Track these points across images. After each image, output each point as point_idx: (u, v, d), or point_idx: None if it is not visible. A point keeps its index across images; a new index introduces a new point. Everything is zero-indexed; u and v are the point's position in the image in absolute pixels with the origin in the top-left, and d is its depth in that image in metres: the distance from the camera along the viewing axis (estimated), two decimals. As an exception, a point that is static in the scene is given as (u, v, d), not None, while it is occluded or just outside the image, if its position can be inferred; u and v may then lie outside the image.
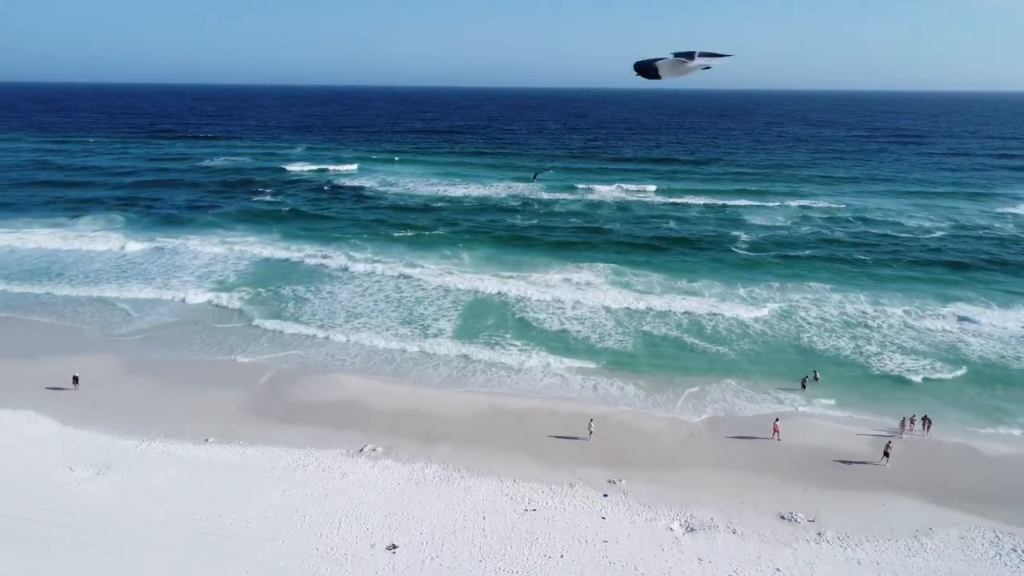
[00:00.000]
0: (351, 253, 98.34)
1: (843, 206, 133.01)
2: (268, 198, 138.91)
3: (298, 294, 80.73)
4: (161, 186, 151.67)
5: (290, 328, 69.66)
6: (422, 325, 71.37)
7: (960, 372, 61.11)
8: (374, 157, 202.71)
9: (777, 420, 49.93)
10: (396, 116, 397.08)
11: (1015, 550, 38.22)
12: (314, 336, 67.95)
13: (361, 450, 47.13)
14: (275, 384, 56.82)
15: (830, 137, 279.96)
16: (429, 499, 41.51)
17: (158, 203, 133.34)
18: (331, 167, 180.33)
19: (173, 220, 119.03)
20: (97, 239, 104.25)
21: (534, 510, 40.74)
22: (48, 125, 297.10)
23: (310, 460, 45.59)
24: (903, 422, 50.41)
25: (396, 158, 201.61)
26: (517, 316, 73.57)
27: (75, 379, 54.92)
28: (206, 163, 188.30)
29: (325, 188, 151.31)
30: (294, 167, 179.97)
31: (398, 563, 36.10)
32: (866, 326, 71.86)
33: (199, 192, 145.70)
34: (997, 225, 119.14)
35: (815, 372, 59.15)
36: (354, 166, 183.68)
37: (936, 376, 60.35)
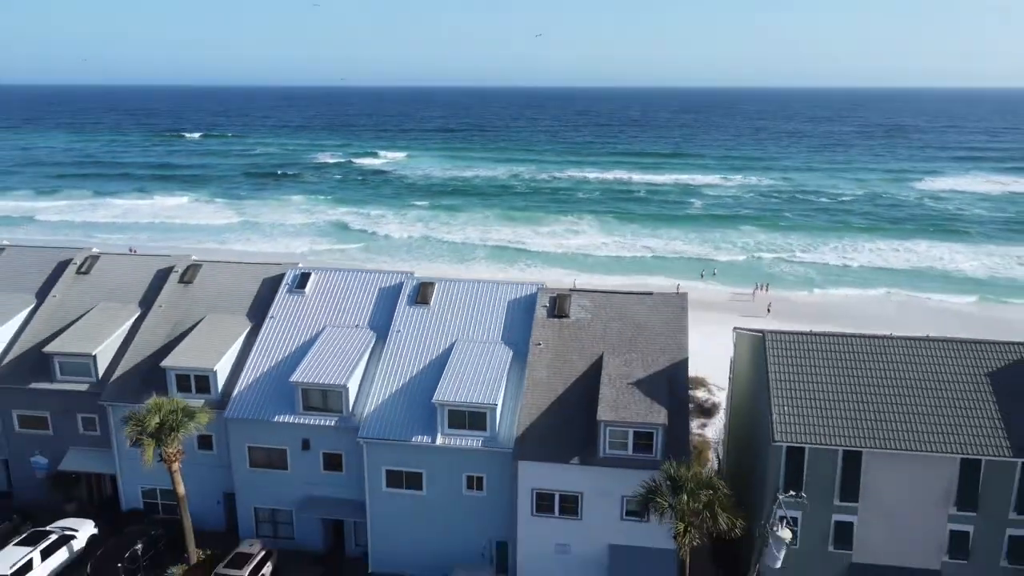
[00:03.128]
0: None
1: (784, 182, 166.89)
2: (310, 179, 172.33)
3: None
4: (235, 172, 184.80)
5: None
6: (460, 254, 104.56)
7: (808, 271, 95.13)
8: (391, 148, 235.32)
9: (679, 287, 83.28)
10: (405, 115, 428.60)
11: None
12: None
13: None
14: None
15: (791, 130, 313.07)
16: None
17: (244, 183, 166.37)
18: (355, 159, 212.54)
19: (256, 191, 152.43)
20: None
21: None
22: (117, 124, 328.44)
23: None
24: (755, 287, 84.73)
25: (411, 150, 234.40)
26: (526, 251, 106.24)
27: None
28: (258, 150, 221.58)
29: (354, 172, 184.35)
30: (324, 156, 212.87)
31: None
32: (769, 250, 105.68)
33: (256, 177, 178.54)
34: (903, 195, 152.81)
35: (714, 269, 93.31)
36: (379, 156, 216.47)
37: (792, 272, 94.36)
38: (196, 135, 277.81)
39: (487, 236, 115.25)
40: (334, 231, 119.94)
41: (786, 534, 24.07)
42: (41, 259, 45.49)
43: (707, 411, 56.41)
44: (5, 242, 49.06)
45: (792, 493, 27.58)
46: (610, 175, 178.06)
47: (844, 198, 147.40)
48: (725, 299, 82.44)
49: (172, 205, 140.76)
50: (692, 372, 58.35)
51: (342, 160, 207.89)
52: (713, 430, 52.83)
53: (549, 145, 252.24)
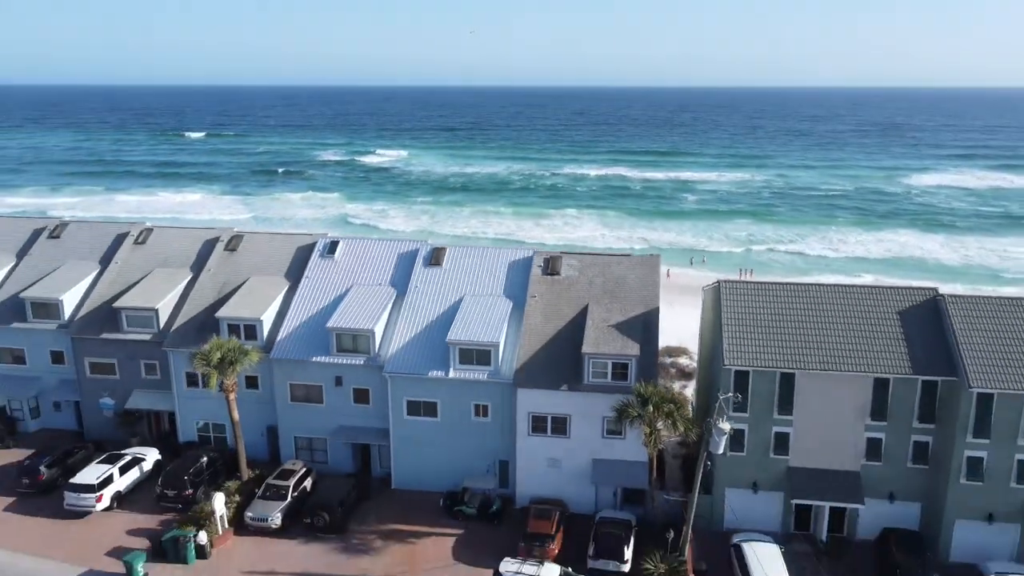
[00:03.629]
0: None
1: (777, 178, 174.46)
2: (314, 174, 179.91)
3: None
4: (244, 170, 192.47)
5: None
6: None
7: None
8: (395, 146, 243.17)
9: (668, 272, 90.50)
10: (405, 114, 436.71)
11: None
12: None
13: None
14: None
15: (788, 128, 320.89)
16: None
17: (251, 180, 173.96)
18: (357, 157, 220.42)
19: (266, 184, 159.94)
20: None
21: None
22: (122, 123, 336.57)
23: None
24: (740, 272, 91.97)
25: (414, 148, 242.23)
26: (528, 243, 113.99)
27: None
28: (261, 148, 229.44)
29: (358, 169, 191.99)
30: (327, 155, 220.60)
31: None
32: (759, 241, 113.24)
33: (261, 174, 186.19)
34: (891, 189, 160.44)
35: (703, 257, 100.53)
36: (379, 154, 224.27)
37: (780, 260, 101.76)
38: (199, 134, 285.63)
39: (489, 229, 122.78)
40: (341, 225, 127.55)
41: (725, 426, 31.35)
42: (101, 233, 53.10)
43: (688, 375, 63.76)
44: (67, 218, 56.66)
45: (730, 394, 35.01)
46: (608, 171, 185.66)
47: (834, 193, 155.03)
48: (711, 283, 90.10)
49: (186, 201, 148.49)
50: (676, 342, 66.30)
51: (344, 158, 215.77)
52: (691, 390, 60.29)
53: (549, 143, 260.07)
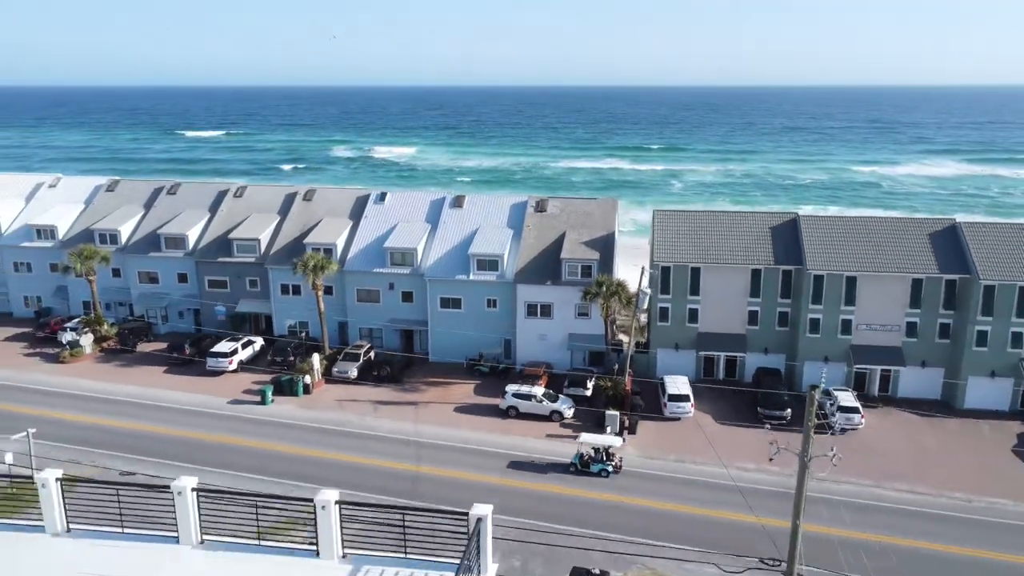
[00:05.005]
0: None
1: (759, 168, 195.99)
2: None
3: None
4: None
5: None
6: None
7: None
8: (398, 143, 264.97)
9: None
10: (407, 113, 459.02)
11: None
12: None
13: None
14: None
15: (780, 126, 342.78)
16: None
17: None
18: (366, 150, 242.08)
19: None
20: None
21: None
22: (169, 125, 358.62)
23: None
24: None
25: (418, 144, 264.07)
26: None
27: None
28: (272, 146, 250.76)
29: (368, 164, 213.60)
30: (336, 151, 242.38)
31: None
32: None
33: (274, 171, 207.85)
34: (861, 178, 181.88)
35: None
36: (385, 149, 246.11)
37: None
38: (213, 132, 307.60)
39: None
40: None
41: (648, 289, 52.44)
42: (207, 190, 74.47)
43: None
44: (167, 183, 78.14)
45: (648, 266, 56.20)
46: (602, 164, 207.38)
47: (808, 181, 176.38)
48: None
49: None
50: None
51: (353, 154, 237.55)
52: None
53: (549, 141, 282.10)
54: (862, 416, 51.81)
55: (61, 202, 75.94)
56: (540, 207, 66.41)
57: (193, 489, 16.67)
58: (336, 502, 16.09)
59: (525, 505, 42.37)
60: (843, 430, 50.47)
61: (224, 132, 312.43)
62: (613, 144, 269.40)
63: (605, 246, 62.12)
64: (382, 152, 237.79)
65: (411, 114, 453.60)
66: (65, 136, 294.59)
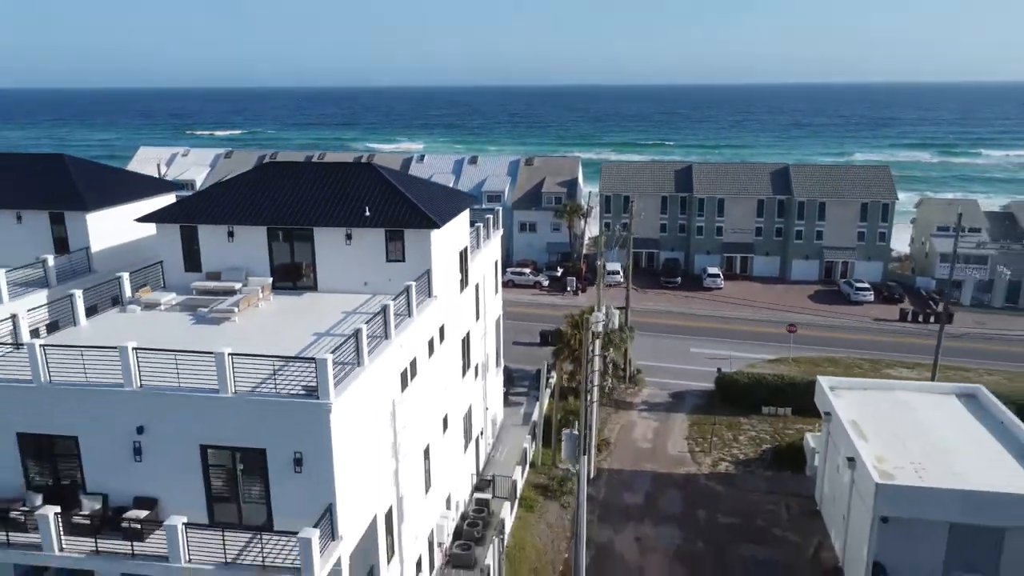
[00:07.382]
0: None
1: (735, 158, 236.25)
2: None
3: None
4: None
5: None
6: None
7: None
8: (405, 140, 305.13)
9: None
10: (408, 113, 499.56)
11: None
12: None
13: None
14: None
15: (775, 122, 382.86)
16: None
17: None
18: (374, 146, 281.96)
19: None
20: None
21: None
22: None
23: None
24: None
25: (421, 142, 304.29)
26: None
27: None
28: (281, 144, 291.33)
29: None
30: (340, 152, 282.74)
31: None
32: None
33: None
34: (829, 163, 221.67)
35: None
36: (396, 145, 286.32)
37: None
38: (225, 132, 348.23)
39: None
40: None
41: (593, 204, 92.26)
42: (250, 158, 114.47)
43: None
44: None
45: (596, 196, 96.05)
46: (597, 156, 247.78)
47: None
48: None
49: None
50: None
51: (362, 151, 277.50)
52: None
53: (548, 138, 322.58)
54: (723, 280, 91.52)
55: (193, 164, 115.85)
56: (528, 162, 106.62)
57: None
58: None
59: (520, 307, 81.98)
60: (709, 289, 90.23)
61: (234, 131, 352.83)
62: (606, 140, 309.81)
63: (571, 185, 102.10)
64: (389, 148, 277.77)
65: (415, 113, 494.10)
66: (74, 137, 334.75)
